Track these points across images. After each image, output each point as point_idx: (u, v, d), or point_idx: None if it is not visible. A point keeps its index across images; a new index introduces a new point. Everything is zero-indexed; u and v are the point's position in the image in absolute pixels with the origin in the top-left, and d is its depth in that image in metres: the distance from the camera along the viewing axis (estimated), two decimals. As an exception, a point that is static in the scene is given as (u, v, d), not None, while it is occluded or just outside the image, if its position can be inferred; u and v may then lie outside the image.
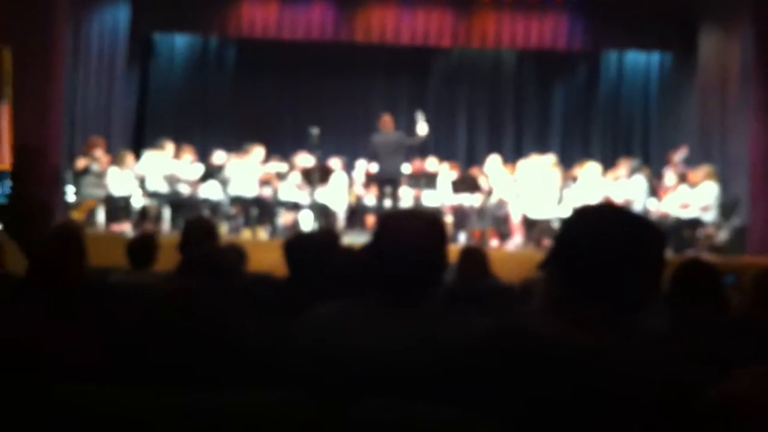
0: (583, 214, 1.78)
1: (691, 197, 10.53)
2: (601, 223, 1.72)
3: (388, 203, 10.88)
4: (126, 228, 10.57)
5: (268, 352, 2.14)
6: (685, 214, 10.48)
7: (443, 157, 12.93)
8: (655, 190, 11.34)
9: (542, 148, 13.33)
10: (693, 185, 10.63)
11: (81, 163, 11.14)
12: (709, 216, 10.45)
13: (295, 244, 3.69)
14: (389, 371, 1.84)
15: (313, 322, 2.14)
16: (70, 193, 10.93)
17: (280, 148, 13.03)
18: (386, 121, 11.03)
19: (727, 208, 10.83)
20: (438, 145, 14.38)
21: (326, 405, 1.64)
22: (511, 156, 13.28)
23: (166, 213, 11.07)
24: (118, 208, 10.85)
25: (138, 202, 10.99)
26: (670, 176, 11.26)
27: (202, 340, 1.82)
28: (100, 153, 11.12)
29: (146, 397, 1.65)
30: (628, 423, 1.50)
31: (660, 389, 1.56)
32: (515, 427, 1.51)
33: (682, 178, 11.04)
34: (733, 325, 3.13)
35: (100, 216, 10.77)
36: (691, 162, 11.50)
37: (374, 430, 1.60)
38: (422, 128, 10.87)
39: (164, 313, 1.84)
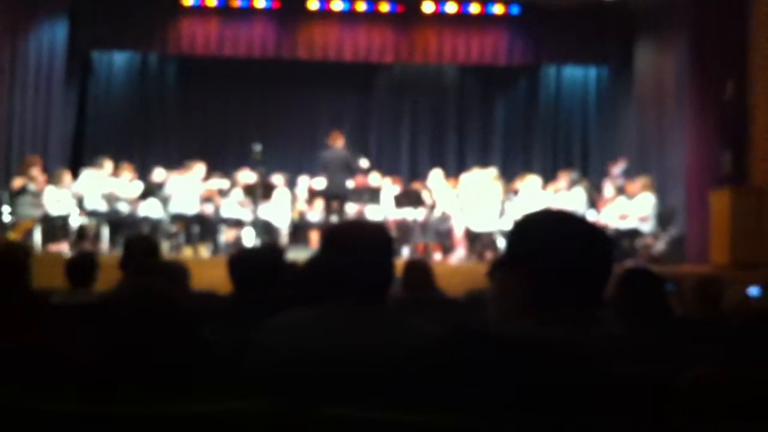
0: (530, 220, 1.79)
1: (629, 208, 10.71)
2: (550, 226, 1.74)
3: (333, 218, 10.87)
4: (64, 248, 10.38)
5: (227, 360, 2.12)
6: (624, 225, 10.65)
7: (387, 171, 12.97)
8: (594, 202, 11.51)
9: (485, 161, 13.45)
10: (631, 196, 10.81)
11: (17, 182, 10.92)
12: (647, 226, 10.63)
13: (240, 259, 3.66)
14: (348, 374, 1.84)
15: (272, 330, 2.13)
16: (6, 214, 10.70)
17: (223, 164, 12.95)
18: (336, 136, 11.09)
19: (664, 218, 11.04)
20: (381, 160, 14.43)
21: (286, 412, 1.62)
22: (454, 169, 13.37)
23: (105, 232, 10.90)
24: (55, 227, 10.65)
25: (76, 221, 10.80)
26: (608, 188, 11.44)
27: (165, 344, 1.80)
28: (36, 172, 10.91)
29: (107, 409, 1.61)
30: (599, 414, 1.51)
31: (627, 379, 1.58)
32: (486, 426, 1.51)
33: (621, 190, 11.23)
34: (681, 325, 3.19)
35: (37, 236, 10.55)
36: (630, 173, 11.70)
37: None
38: (364, 163, 11.08)
39: (125, 315, 1.81)
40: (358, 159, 11.22)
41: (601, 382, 1.54)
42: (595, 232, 1.76)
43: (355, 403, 1.61)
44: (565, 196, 11.21)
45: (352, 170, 11.18)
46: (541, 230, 1.73)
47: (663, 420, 1.56)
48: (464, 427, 1.52)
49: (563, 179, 11.56)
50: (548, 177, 12.24)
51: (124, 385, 1.75)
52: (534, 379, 1.54)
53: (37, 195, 10.72)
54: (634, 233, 10.61)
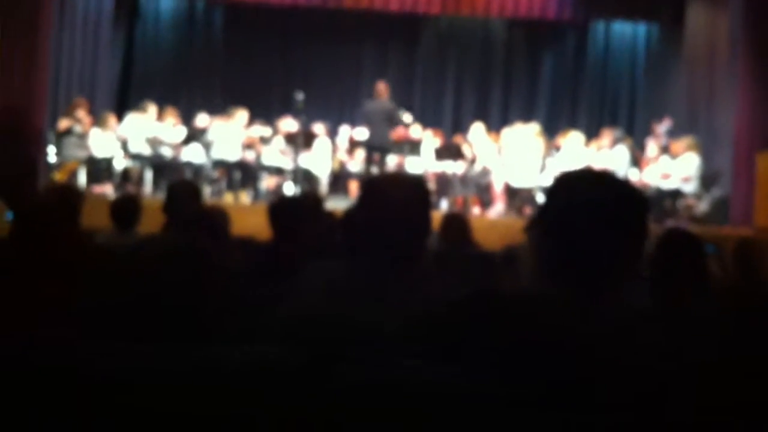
0: (568, 178, 1.78)
1: (672, 168, 10.59)
2: (586, 187, 1.73)
3: (373, 170, 10.88)
4: (108, 190, 10.52)
5: (261, 309, 2.16)
6: (666, 185, 10.54)
7: (429, 124, 12.91)
8: (637, 161, 11.39)
9: (529, 117, 13.32)
10: (674, 156, 10.68)
11: (63, 124, 11.05)
12: (690, 187, 10.52)
13: (280, 207, 3.70)
14: (379, 333, 1.86)
15: (307, 282, 2.16)
16: (52, 154, 10.85)
17: (265, 112, 12.98)
18: (381, 88, 11.01)
19: (708, 179, 10.90)
20: (424, 113, 14.35)
21: (318, 359, 1.65)
22: (498, 124, 13.28)
23: (148, 175, 11.03)
24: (100, 169, 10.79)
25: (120, 164, 10.93)
26: (652, 147, 11.31)
27: (200, 294, 1.84)
28: (82, 114, 11.03)
29: (144, 352, 1.66)
30: (616, 387, 1.52)
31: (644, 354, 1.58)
32: (503, 386, 1.53)
33: (664, 150, 11.09)
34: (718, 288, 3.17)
35: (82, 177, 10.70)
36: (677, 133, 11.54)
37: (365, 386, 1.62)
38: (407, 118, 10.98)
39: (167, 269, 1.84)
40: (402, 113, 11.14)
41: (610, 355, 1.55)
42: (633, 195, 1.73)
43: (384, 355, 1.64)
44: (608, 153, 11.10)
45: (395, 122, 11.14)
46: (576, 189, 1.72)
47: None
48: (479, 386, 1.54)
49: (606, 137, 11.43)
50: (592, 134, 12.11)
51: (152, 328, 1.79)
52: (544, 343, 1.54)
53: (83, 137, 10.85)
54: (676, 193, 10.50)
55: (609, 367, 1.54)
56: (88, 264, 2.83)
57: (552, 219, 1.71)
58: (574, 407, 1.49)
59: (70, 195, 3.50)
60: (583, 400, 1.50)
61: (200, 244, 1.99)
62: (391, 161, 11.60)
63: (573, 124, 13.58)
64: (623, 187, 1.76)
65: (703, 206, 10.77)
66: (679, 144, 10.67)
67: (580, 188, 1.73)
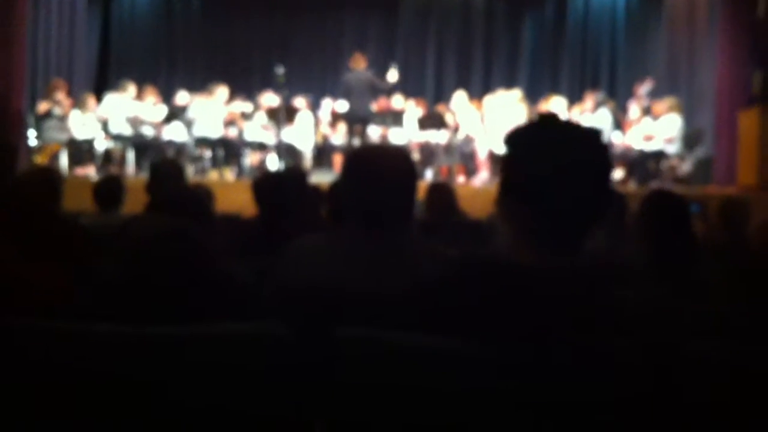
0: (515, 133, 1.72)
1: (654, 129, 10.60)
2: (535, 136, 1.68)
3: (355, 142, 10.84)
4: (90, 171, 10.46)
5: (248, 285, 2.16)
6: (649, 147, 10.55)
7: (411, 94, 12.87)
8: (620, 124, 11.40)
9: (511, 84, 13.31)
10: (656, 117, 10.69)
11: (43, 106, 10.96)
12: (673, 148, 10.54)
13: (265, 183, 3.68)
14: (370, 302, 1.86)
15: (294, 254, 2.15)
16: (32, 137, 10.77)
17: (246, 87, 12.91)
18: (358, 59, 10.95)
19: (690, 139, 10.93)
20: (406, 83, 14.29)
21: (308, 333, 1.66)
22: (480, 92, 13.26)
23: (131, 155, 10.96)
24: (81, 151, 10.72)
25: (101, 144, 10.86)
26: (634, 109, 11.32)
27: (189, 275, 1.83)
28: (62, 96, 10.93)
29: (131, 331, 1.66)
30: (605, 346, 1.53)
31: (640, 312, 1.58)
32: (495, 355, 1.53)
33: (647, 111, 11.10)
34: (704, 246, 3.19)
35: (63, 160, 10.63)
36: (658, 94, 11.55)
37: (360, 358, 1.63)
38: (393, 75, 10.85)
39: (152, 249, 1.84)
40: (389, 69, 11.00)
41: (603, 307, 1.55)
42: (581, 134, 1.67)
43: (370, 326, 1.64)
44: (591, 117, 11.10)
45: (376, 92, 11.08)
46: (523, 145, 1.68)
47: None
48: (469, 354, 1.54)
49: (589, 100, 11.43)
50: (575, 99, 12.11)
51: (141, 309, 1.79)
52: (528, 308, 1.54)
53: (63, 119, 10.77)
54: (659, 155, 10.53)
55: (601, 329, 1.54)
56: (73, 245, 2.82)
57: (512, 180, 1.69)
58: (570, 371, 1.50)
59: (49, 177, 3.47)
60: (581, 364, 1.51)
61: (183, 224, 1.98)
62: (375, 132, 11.57)
63: (555, 89, 13.58)
64: (574, 126, 1.71)
65: (686, 167, 10.81)
66: (662, 104, 10.68)
67: (529, 140, 1.68)
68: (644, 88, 11.61)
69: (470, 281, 1.59)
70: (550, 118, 1.74)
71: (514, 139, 1.70)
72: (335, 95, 12.26)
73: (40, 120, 10.80)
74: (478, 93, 12.99)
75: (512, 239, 1.67)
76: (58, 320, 1.71)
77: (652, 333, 1.56)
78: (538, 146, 1.65)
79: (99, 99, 11.38)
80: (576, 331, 1.51)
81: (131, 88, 11.21)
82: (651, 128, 10.65)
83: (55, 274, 2.27)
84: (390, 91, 11.54)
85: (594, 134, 1.68)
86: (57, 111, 10.79)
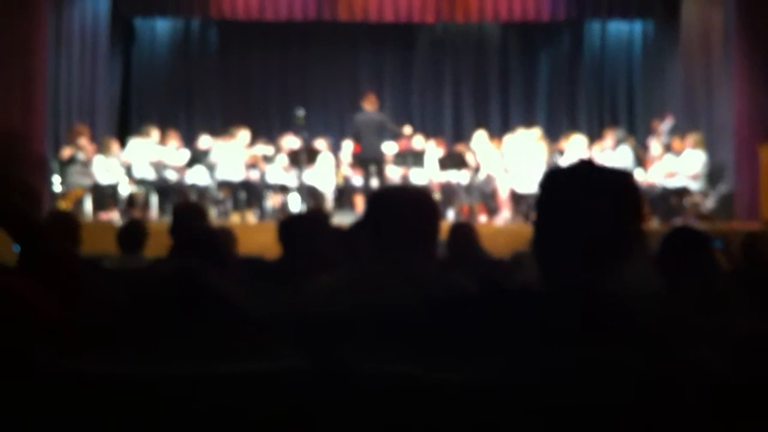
0: (551, 175, 1.77)
1: (678, 166, 10.57)
2: (569, 180, 1.72)
3: (374, 183, 10.88)
4: (114, 216, 10.54)
5: (269, 322, 2.16)
6: (672, 183, 10.52)
7: (430, 133, 12.92)
8: (641, 160, 11.37)
9: (529, 120, 13.34)
10: (678, 153, 10.67)
11: (66, 152, 11.09)
12: (697, 184, 10.50)
13: (290, 224, 3.71)
14: (387, 334, 1.87)
15: (316, 289, 2.17)
16: (57, 183, 10.89)
17: (267, 129, 13.03)
18: (370, 99, 11.03)
19: (713, 174, 10.88)
20: (424, 122, 14.39)
21: (329, 369, 1.66)
22: (499, 129, 13.31)
23: (154, 199, 11.05)
24: (105, 196, 10.82)
25: (125, 189, 10.96)
26: (655, 146, 11.30)
27: (202, 317, 1.84)
28: (85, 141, 11.06)
29: (148, 370, 1.66)
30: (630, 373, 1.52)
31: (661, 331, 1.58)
32: (514, 385, 1.53)
33: (667, 147, 11.08)
34: (726, 281, 3.17)
35: (88, 205, 10.73)
36: (677, 129, 11.53)
37: (377, 392, 1.63)
38: (407, 130, 10.98)
39: (165, 291, 1.85)
40: (402, 126, 11.17)
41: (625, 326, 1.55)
42: (613, 176, 1.72)
43: (393, 359, 1.64)
44: (611, 154, 11.09)
45: (387, 132, 11.16)
46: (557, 188, 1.72)
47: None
48: (489, 383, 1.54)
49: (609, 138, 11.42)
50: (594, 135, 12.12)
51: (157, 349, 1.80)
52: (554, 333, 1.54)
53: (86, 164, 10.88)
54: (682, 191, 10.48)
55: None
56: (93, 289, 2.84)
57: (543, 217, 1.72)
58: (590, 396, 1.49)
59: (68, 222, 3.53)
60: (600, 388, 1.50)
61: (203, 267, 2.00)
62: (395, 173, 11.62)
63: (573, 125, 13.60)
64: (603, 170, 1.75)
65: (709, 203, 10.75)
66: (685, 141, 10.67)
67: (563, 181, 1.72)
68: (665, 124, 11.60)
69: (492, 310, 1.60)
70: (584, 163, 1.79)
71: (548, 181, 1.74)
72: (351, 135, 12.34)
73: (64, 165, 10.92)
74: (496, 130, 13.03)
75: (542, 274, 1.69)
76: (75, 359, 1.72)
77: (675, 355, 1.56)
78: (571, 189, 1.69)
79: (121, 142, 11.51)
80: (597, 361, 1.51)
81: (154, 133, 11.33)
82: (673, 164, 10.62)
83: (75, 317, 2.28)
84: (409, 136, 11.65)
85: (625, 177, 1.73)
86: (80, 156, 10.91)
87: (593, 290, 1.62)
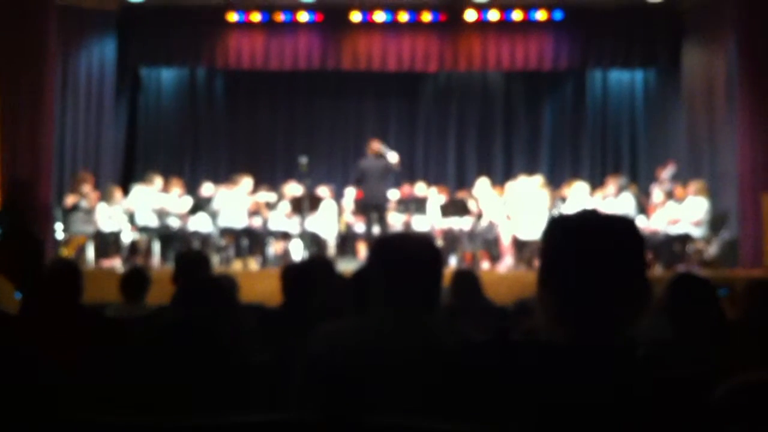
0: (555, 224, 1.77)
1: (680, 212, 10.57)
2: (581, 228, 1.72)
3: (376, 229, 10.88)
4: (116, 263, 10.54)
5: (272, 372, 2.15)
6: (675, 230, 10.51)
7: (434, 180, 12.96)
8: (643, 208, 11.38)
9: (532, 168, 13.38)
10: (680, 200, 10.68)
11: (70, 199, 11.13)
12: (700, 231, 10.49)
13: (294, 271, 3.70)
14: (396, 382, 1.85)
15: (321, 339, 2.15)
16: (59, 230, 10.90)
17: (271, 177, 13.08)
18: (374, 146, 11.10)
19: (716, 222, 10.88)
20: (428, 168, 14.46)
21: (334, 421, 1.64)
22: (502, 176, 13.35)
23: (156, 246, 11.05)
24: (107, 243, 10.82)
25: (128, 236, 10.96)
26: (657, 193, 11.31)
27: (205, 366, 1.83)
28: (88, 189, 11.10)
29: (151, 422, 1.64)
30: (641, 424, 1.50)
31: (670, 387, 1.56)
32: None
33: (670, 195, 11.10)
34: (734, 329, 3.14)
35: (90, 252, 10.73)
36: (680, 177, 11.55)
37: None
38: (392, 156, 10.99)
39: (166, 342, 1.84)
40: (387, 152, 11.16)
41: (641, 387, 1.53)
42: (620, 226, 1.72)
43: (401, 409, 1.63)
44: (614, 202, 11.10)
45: (391, 178, 11.20)
46: (564, 233, 1.72)
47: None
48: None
49: (611, 185, 11.44)
50: (597, 182, 12.14)
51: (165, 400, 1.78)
52: (569, 387, 1.53)
53: (89, 211, 10.91)
54: (685, 238, 10.47)
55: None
56: (95, 337, 2.83)
57: (549, 267, 1.71)
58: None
59: (69, 270, 3.52)
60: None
61: (204, 316, 1.99)
62: (398, 220, 11.62)
63: (576, 172, 13.62)
64: (610, 221, 1.75)
65: (712, 250, 10.73)
66: (688, 188, 10.70)
67: (568, 232, 1.72)
68: (667, 171, 11.63)
69: (499, 361, 1.59)
70: (588, 212, 1.79)
71: (552, 230, 1.75)
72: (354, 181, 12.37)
73: (68, 213, 10.95)
74: (499, 177, 13.07)
75: (548, 323, 1.68)
76: (81, 411, 1.70)
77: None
78: (575, 239, 1.69)
79: (125, 190, 11.55)
80: (605, 413, 1.50)
81: (158, 180, 11.38)
82: (676, 211, 10.63)
83: (76, 364, 2.27)
84: (411, 171, 11.64)
85: (629, 225, 1.73)
86: (84, 204, 10.95)
87: (601, 339, 1.61)
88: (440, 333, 2.11)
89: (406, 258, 2.16)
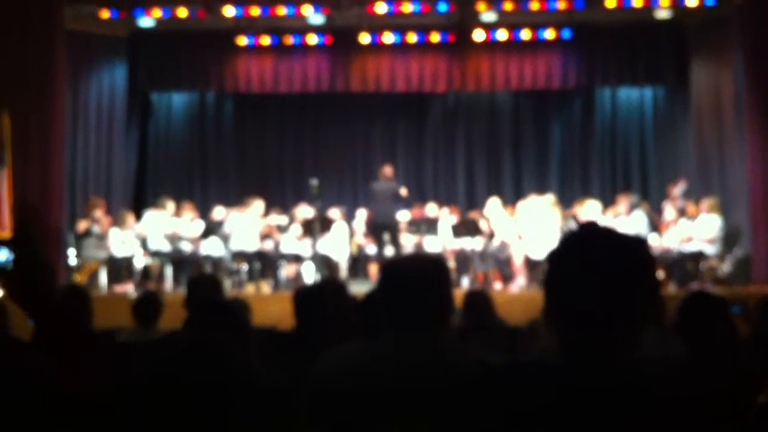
0: (566, 240, 1.75)
1: (692, 230, 10.53)
2: (585, 246, 1.70)
3: (389, 251, 10.88)
4: (129, 288, 10.56)
5: (283, 395, 2.15)
6: (688, 248, 10.47)
7: (444, 200, 12.96)
8: (655, 225, 11.34)
9: (542, 186, 13.38)
10: (692, 218, 10.64)
11: (82, 225, 11.18)
12: (713, 248, 10.44)
13: (305, 294, 3.70)
14: (406, 405, 1.84)
15: (330, 362, 2.15)
16: (72, 256, 10.94)
17: (281, 199, 13.11)
18: (386, 171, 11.21)
19: (729, 239, 10.83)
20: (437, 189, 14.46)
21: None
22: (512, 195, 13.34)
23: (169, 271, 11.07)
24: (120, 268, 10.85)
25: (140, 261, 10.99)
26: (669, 210, 11.27)
27: (216, 390, 1.83)
28: (100, 214, 11.15)
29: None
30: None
31: (688, 406, 1.55)
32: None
33: (682, 212, 11.06)
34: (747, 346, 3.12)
35: (103, 277, 10.76)
36: (691, 194, 11.53)
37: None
38: (403, 191, 11.13)
39: (176, 366, 1.84)
40: (399, 187, 11.26)
41: (658, 409, 1.52)
42: (630, 245, 1.69)
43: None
44: (625, 220, 11.07)
45: (400, 200, 11.27)
46: (570, 256, 1.70)
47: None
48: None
49: (622, 203, 11.41)
50: (607, 200, 12.11)
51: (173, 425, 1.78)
52: (584, 411, 1.52)
53: (102, 237, 10.94)
54: (698, 255, 10.43)
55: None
56: (106, 363, 2.83)
57: (556, 285, 1.70)
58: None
59: (80, 296, 3.53)
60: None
61: (217, 341, 1.99)
62: (409, 241, 11.62)
63: (586, 191, 13.60)
64: (617, 238, 1.73)
65: (726, 267, 10.68)
66: (701, 205, 10.67)
67: (576, 248, 1.71)
68: (678, 188, 11.60)
69: (513, 385, 1.58)
70: (592, 229, 1.76)
71: (558, 251, 1.74)
72: (367, 204, 12.40)
73: (80, 238, 11.00)
74: (509, 197, 13.07)
75: (558, 345, 1.67)
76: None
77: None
78: (581, 257, 1.68)
79: (137, 215, 11.59)
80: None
81: (170, 205, 11.41)
82: (689, 229, 10.59)
83: (87, 388, 2.27)
84: (421, 192, 11.69)
85: (638, 243, 1.71)
86: (96, 229, 10.99)
87: (613, 360, 1.60)
88: (448, 355, 2.10)
89: (415, 279, 2.15)
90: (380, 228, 11.05)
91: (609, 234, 1.74)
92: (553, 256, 1.73)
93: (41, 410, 2.12)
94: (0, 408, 2.09)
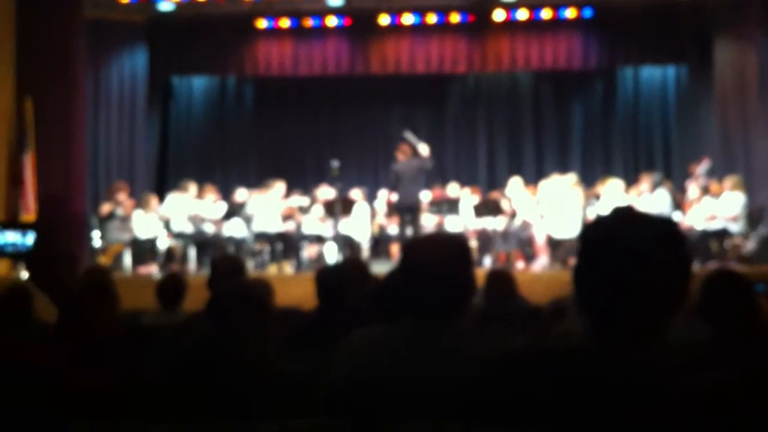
0: (599, 223, 1.74)
1: (716, 208, 10.46)
2: (619, 229, 1.69)
3: (410, 231, 10.86)
4: (153, 270, 10.63)
5: (304, 381, 2.15)
6: (712, 226, 10.40)
7: (465, 181, 12.93)
8: (679, 204, 11.27)
9: (563, 167, 13.32)
10: (716, 196, 10.57)
11: (105, 208, 11.26)
12: (737, 226, 10.37)
13: (328, 274, 3.71)
14: (426, 393, 1.84)
15: (349, 349, 2.15)
16: (96, 239, 11.04)
17: (301, 181, 13.12)
18: (404, 148, 11.05)
19: (753, 217, 10.74)
20: (459, 170, 14.42)
21: (363, 428, 1.64)
22: (533, 176, 13.28)
23: (192, 253, 11.14)
24: (144, 250, 10.92)
25: (163, 243, 11.06)
26: (693, 189, 11.19)
27: (236, 377, 1.84)
28: (123, 197, 11.24)
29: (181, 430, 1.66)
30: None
31: (708, 396, 1.54)
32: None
33: (705, 191, 10.98)
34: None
35: (127, 259, 10.85)
36: (715, 173, 11.43)
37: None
38: (423, 148, 10.87)
39: (197, 355, 1.86)
40: (413, 141, 11.06)
41: (668, 408, 1.51)
42: (665, 229, 1.67)
43: (432, 418, 1.62)
44: (649, 199, 11.01)
45: (425, 177, 11.07)
46: (605, 236, 1.69)
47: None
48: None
49: (645, 182, 11.34)
50: (629, 180, 12.04)
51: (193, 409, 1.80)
52: (607, 395, 1.51)
53: (125, 219, 11.03)
54: (722, 233, 10.36)
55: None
56: (128, 346, 2.86)
57: (587, 267, 1.69)
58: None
59: (100, 280, 3.56)
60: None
61: (237, 325, 2.00)
62: (431, 221, 11.61)
63: (608, 171, 13.52)
64: (657, 221, 1.72)
65: (750, 245, 10.60)
66: (724, 183, 10.59)
67: (609, 231, 1.69)
68: (701, 167, 11.51)
69: (538, 371, 1.57)
70: (626, 211, 1.74)
71: (590, 232, 1.72)
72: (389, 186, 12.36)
73: (103, 221, 11.08)
74: (531, 177, 13.01)
75: (588, 327, 1.66)
76: (111, 419, 1.72)
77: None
78: (614, 240, 1.66)
79: (159, 197, 11.66)
80: (646, 420, 1.48)
81: (192, 188, 11.47)
82: (712, 207, 10.51)
83: (105, 377, 2.29)
84: (443, 172, 11.49)
85: (672, 225, 1.69)
86: (119, 212, 11.07)
87: (642, 343, 1.59)
88: (466, 338, 2.09)
89: (429, 260, 2.14)
90: (404, 209, 10.98)
91: (642, 216, 1.73)
92: (586, 238, 1.71)
93: (44, 407, 2.15)
94: (3, 405, 2.12)
